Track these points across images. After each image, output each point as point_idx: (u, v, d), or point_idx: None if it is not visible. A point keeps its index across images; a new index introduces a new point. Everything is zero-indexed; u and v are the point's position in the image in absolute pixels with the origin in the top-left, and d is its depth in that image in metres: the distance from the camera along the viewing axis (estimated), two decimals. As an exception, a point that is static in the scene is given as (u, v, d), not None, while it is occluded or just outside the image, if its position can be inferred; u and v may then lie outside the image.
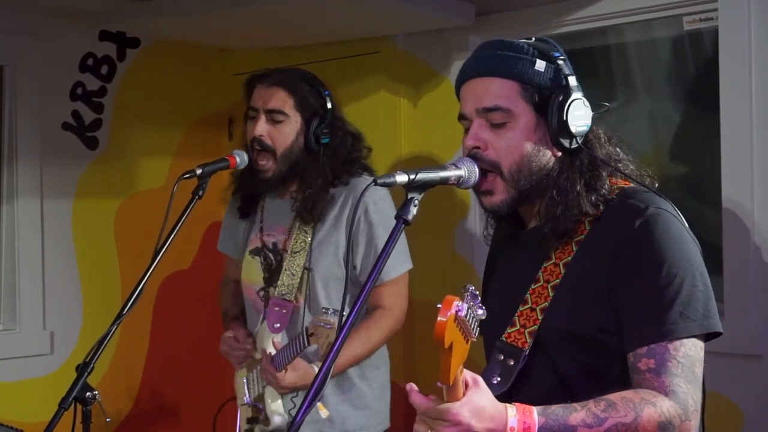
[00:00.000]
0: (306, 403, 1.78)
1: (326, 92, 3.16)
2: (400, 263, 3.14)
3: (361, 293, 1.83)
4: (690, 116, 3.60)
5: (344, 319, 1.83)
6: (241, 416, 3.24)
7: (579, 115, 2.00)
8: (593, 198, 1.99)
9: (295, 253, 3.11)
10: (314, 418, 3.07)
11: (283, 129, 3.09)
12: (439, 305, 1.58)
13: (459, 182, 1.97)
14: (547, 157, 2.02)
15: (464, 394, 1.70)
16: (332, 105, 3.15)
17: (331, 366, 1.80)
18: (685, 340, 1.84)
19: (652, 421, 1.76)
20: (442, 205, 3.86)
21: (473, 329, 1.63)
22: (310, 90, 3.13)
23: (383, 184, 1.88)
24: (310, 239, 3.10)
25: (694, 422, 1.82)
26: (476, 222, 3.90)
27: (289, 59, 4.17)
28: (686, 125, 3.59)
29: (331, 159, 3.13)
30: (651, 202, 1.95)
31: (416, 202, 1.90)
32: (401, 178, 1.88)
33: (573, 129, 1.99)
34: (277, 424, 3.08)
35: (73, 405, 2.54)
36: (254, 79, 3.19)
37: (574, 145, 2.01)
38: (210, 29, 4.01)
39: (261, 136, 3.08)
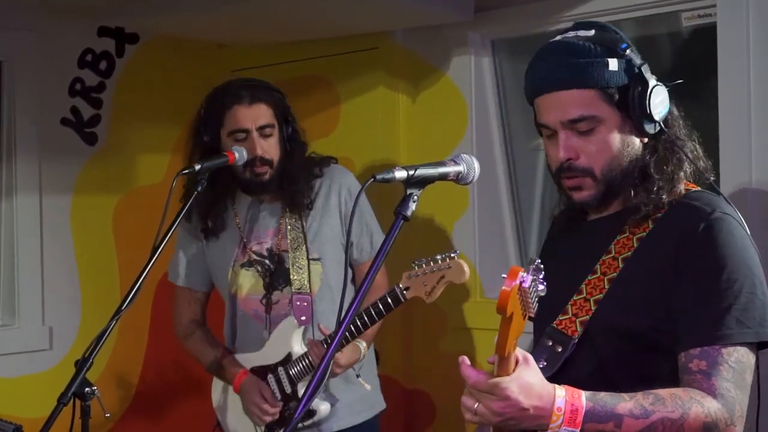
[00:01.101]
0: (312, 384, 1.79)
1: (283, 93, 3.27)
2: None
3: (367, 277, 1.86)
4: (688, 112, 3.59)
5: (349, 303, 1.86)
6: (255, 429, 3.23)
7: (659, 102, 2.01)
8: (681, 174, 2.01)
9: (296, 248, 3.17)
10: (348, 401, 3.20)
11: (272, 141, 3.17)
12: (503, 275, 1.59)
13: (458, 178, 1.97)
14: (636, 146, 2.03)
15: (514, 370, 1.71)
16: (288, 104, 3.27)
17: (335, 351, 1.83)
18: (739, 347, 1.85)
19: (698, 421, 1.77)
20: (441, 202, 3.86)
21: (533, 304, 1.64)
22: (277, 96, 3.23)
23: (382, 180, 1.88)
24: (302, 232, 3.17)
25: (739, 428, 1.83)
26: (475, 218, 3.90)
27: (288, 55, 4.17)
28: (685, 121, 3.59)
29: (299, 153, 3.24)
30: (717, 207, 1.96)
31: (415, 198, 1.90)
32: (400, 174, 1.88)
33: (656, 117, 2.00)
34: (323, 412, 3.14)
35: (72, 400, 2.55)
36: (230, 100, 3.15)
37: (657, 129, 2.02)
38: (209, 25, 4.01)
39: (263, 154, 3.13)
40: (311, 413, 3.12)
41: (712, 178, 2.07)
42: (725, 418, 1.79)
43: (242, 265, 3.26)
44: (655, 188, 1.99)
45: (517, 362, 1.72)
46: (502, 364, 1.69)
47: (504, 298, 1.58)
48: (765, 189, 3.09)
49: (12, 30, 3.97)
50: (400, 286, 2.86)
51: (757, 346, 1.90)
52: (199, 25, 4.02)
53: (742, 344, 1.85)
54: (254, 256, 3.23)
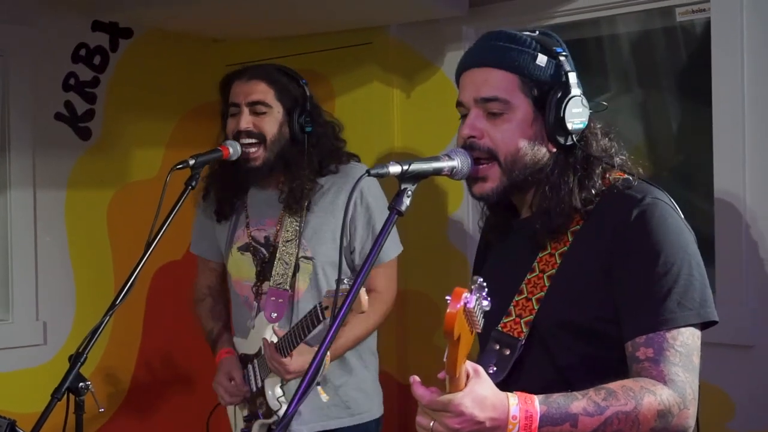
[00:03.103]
0: (303, 386, 1.77)
1: (303, 81, 3.18)
2: (393, 247, 3.17)
3: (358, 277, 1.84)
4: (682, 107, 3.60)
5: (339, 304, 1.84)
6: (236, 415, 3.23)
7: (576, 113, 2.00)
8: (584, 195, 1.99)
9: (287, 242, 3.11)
10: (318, 404, 3.10)
11: (266, 119, 3.10)
12: (448, 297, 1.59)
13: (452, 173, 1.97)
14: (542, 152, 2.02)
15: (466, 385, 1.70)
16: (310, 94, 3.17)
17: (326, 351, 1.80)
18: (682, 329, 1.86)
19: (652, 410, 1.77)
20: (436, 196, 3.86)
21: (479, 320, 1.64)
22: (288, 80, 3.15)
23: (377, 175, 1.88)
24: (299, 227, 3.10)
25: (692, 410, 1.83)
26: (469, 212, 3.90)
27: (282, 50, 4.16)
28: (678, 116, 3.60)
29: (317, 148, 3.14)
30: (647, 192, 1.96)
31: (409, 192, 1.90)
32: (394, 168, 1.88)
33: (569, 126, 1.99)
34: (281, 413, 3.07)
35: (66, 395, 2.55)
36: (231, 76, 3.19)
37: (569, 142, 2.01)
38: (203, 19, 4.00)
39: (247, 127, 3.09)
40: (270, 413, 3.10)
41: (641, 171, 2.06)
42: (678, 403, 1.80)
43: (239, 249, 3.25)
44: (550, 211, 1.99)
45: (468, 376, 1.71)
46: (453, 380, 1.68)
47: (450, 322, 1.57)
48: (760, 187, 3.09)
49: (6, 24, 3.95)
50: (321, 304, 2.82)
51: (702, 327, 1.90)
52: (192, 20, 4.01)
53: (685, 326, 1.86)
54: (252, 242, 3.21)
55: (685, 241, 1.93)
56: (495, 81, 2.01)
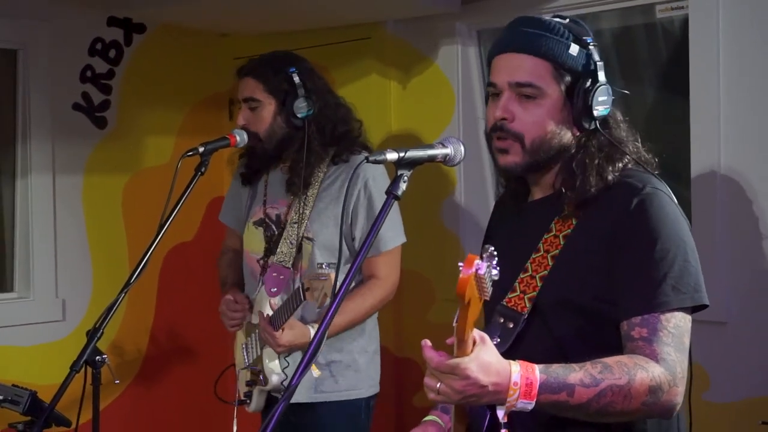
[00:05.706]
0: (302, 365, 1.77)
1: (291, 69, 3.13)
2: (395, 236, 3.13)
3: (356, 259, 1.84)
4: (662, 99, 3.59)
5: (339, 284, 1.84)
6: (240, 380, 3.23)
7: (602, 101, 2.00)
8: (609, 168, 1.98)
9: (294, 223, 3.10)
10: (307, 377, 3.06)
11: (260, 113, 3.11)
12: (460, 264, 1.59)
13: (446, 160, 1.96)
14: (568, 136, 2.01)
15: (472, 350, 1.70)
16: (302, 79, 3.12)
17: (326, 329, 1.80)
18: (676, 312, 1.86)
19: (644, 385, 1.77)
20: (430, 181, 3.85)
21: (488, 288, 1.64)
22: (274, 72, 3.12)
23: (375, 161, 1.87)
24: (308, 210, 3.09)
25: (681, 388, 1.83)
26: (462, 197, 3.90)
27: (286, 44, 4.14)
28: (658, 107, 3.59)
29: (318, 131, 3.12)
30: (648, 182, 1.95)
31: (405, 178, 1.89)
32: (391, 155, 1.88)
33: (596, 113, 1.99)
34: (274, 383, 3.06)
35: (83, 368, 2.55)
36: (237, 74, 3.22)
37: (592, 127, 2.00)
38: (212, 15, 3.99)
39: (243, 125, 3.13)
40: (266, 381, 3.09)
41: (656, 173, 2.04)
42: (668, 380, 1.80)
43: (254, 223, 3.24)
44: (578, 183, 1.97)
45: (474, 342, 1.71)
46: (461, 345, 1.68)
47: (462, 286, 1.58)
48: (733, 174, 3.09)
49: (26, 19, 3.96)
50: (303, 285, 2.79)
51: (692, 310, 1.91)
52: (201, 16, 4.00)
53: (679, 310, 1.87)
54: (266, 218, 3.21)
55: (682, 230, 1.93)
56: (530, 67, 1.99)
